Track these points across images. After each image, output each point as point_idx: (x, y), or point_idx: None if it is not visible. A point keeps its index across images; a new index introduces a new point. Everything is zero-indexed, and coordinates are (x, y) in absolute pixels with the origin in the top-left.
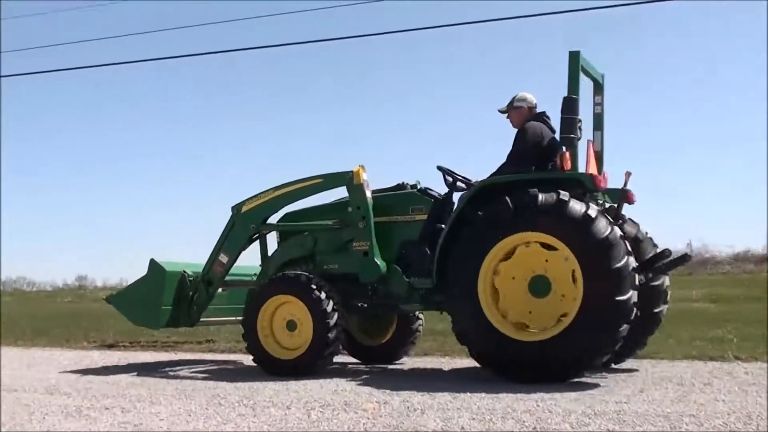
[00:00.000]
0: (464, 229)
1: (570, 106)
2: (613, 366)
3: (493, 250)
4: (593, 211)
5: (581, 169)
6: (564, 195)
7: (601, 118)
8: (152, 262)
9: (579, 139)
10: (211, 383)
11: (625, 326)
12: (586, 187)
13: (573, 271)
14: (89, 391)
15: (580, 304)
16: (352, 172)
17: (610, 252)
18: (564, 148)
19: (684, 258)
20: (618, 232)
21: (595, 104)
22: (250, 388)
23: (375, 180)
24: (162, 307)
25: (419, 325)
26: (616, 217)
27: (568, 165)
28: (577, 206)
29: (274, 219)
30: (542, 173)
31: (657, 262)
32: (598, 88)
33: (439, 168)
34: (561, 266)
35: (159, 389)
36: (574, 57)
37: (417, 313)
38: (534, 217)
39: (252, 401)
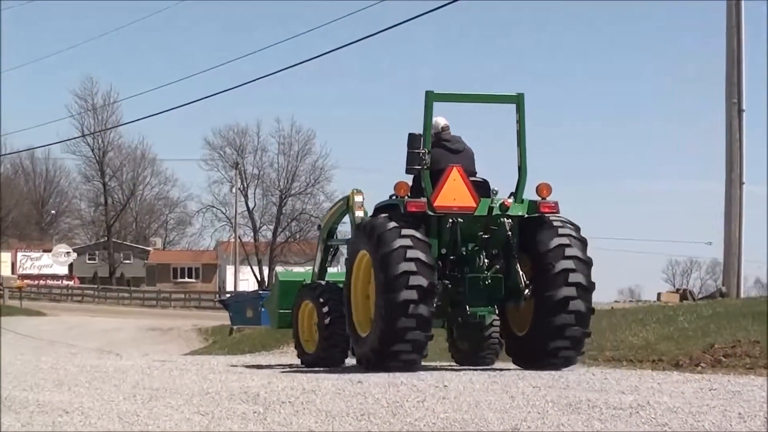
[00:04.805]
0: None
1: (412, 141)
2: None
3: (355, 263)
4: (390, 233)
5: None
6: (372, 220)
7: (520, 135)
8: (275, 274)
9: (424, 168)
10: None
11: (403, 324)
12: (401, 211)
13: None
14: None
15: (374, 307)
16: (348, 195)
17: (386, 261)
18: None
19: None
20: (403, 254)
21: (516, 122)
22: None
23: None
24: (279, 310)
25: (493, 332)
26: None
27: (401, 192)
28: (379, 229)
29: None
30: (390, 200)
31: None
32: (517, 108)
33: None
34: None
35: None
36: (428, 96)
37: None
38: (364, 238)
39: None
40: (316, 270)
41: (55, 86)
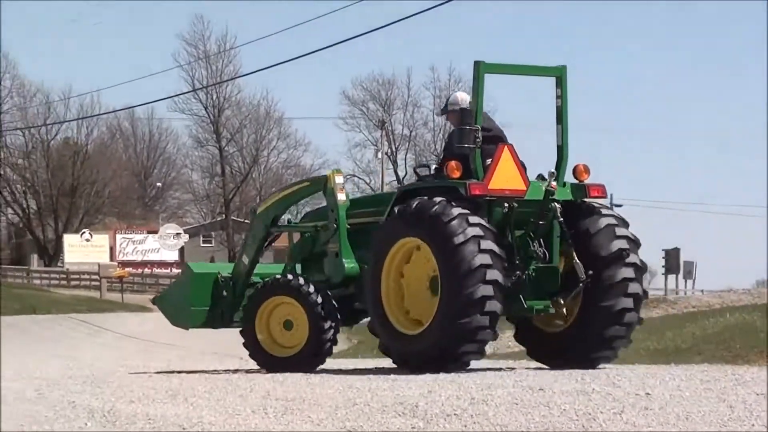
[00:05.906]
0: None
1: (464, 116)
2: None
3: (390, 252)
4: (452, 216)
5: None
6: (426, 203)
7: (561, 111)
8: (185, 265)
9: (476, 147)
10: None
11: (477, 322)
12: (461, 193)
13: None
14: None
15: (438, 301)
16: (326, 176)
17: (458, 254)
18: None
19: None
20: (477, 245)
21: (556, 97)
22: None
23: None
24: (191, 308)
25: None
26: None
27: (454, 173)
28: (438, 212)
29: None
30: (435, 182)
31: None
32: (558, 82)
33: (415, 170)
34: (425, 267)
35: None
36: (478, 67)
37: None
38: (408, 224)
39: None
40: (247, 261)
41: (158, 31)
